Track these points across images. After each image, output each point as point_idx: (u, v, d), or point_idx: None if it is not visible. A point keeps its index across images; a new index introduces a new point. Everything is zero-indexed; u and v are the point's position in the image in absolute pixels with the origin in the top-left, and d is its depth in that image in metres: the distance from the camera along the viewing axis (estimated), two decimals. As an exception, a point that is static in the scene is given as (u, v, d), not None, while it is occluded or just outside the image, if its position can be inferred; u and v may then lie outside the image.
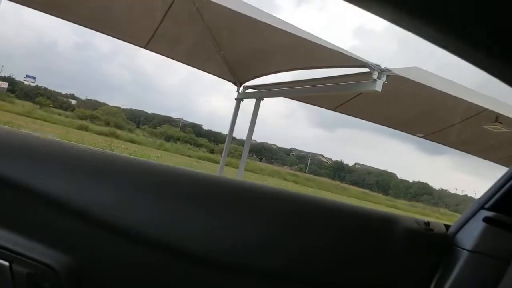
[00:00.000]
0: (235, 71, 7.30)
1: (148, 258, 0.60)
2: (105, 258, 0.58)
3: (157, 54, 7.55)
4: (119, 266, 0.58)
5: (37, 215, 0.54)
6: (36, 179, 0.54)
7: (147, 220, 0.59)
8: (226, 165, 9.22)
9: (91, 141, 18.30)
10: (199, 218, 0.63)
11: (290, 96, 7.74)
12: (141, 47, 7.10)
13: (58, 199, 0.54)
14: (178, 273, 0.62)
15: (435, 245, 0.87)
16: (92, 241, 0.57)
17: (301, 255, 0.72)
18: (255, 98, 7.67)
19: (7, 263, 0.51)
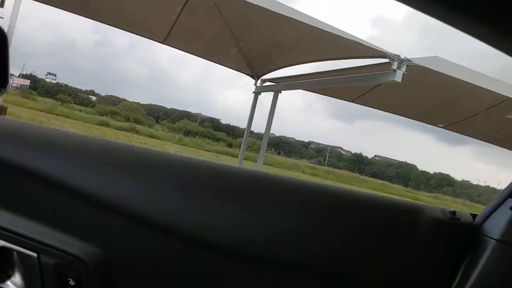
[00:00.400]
0: (252, 65, 7.29)
1: (174, 250, 0.61)
2: (133, 249, 0.59)
3: (175, 49, 7.59)
4: (146, 257, 0.60)
5: (65, 208, 0.56)
6: (64, 172, 0.56)
7: (173, 212, 0.61)
8: (244, 159, 9.25)
9: (112, 137, 18.48)
10: (226, 210, 0.64)
11: (308, 89, 7.71)
12: (159, 42, 7.15)
13: (87, 192, 0.56)
14: (205, 265, 0.64)
15: (461, 235, 0.86)
16: (120, 233, 0.58)
17: (323, 247, 0.73)
18: (273, 91, 7.66)
19: (35, 254, 0.53)
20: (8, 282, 0.53)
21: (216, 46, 7.17)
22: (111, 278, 0.58)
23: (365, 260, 0.74)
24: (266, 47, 6.81)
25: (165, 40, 6.87)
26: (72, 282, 0.55)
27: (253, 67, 7.40)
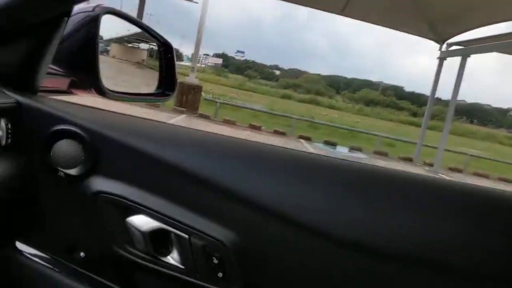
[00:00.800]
0: (437, 29, 6.74)
1: (307, 244, 0.65)
2: (268, 239, 0.65)
3: (353, 19, 7.48)
4: (280, 248, 0.66)
5: (210, 199, 0.65)
6: (210, 170, 0.65)
7: (307, 208, 0.65)
8: (429, 128, 8.68)
9: (294, 110, 19.20)
10: (357, 207, 0.65)
11: (505, 51, 6.80)
12: (336, 14, 7.12)
13: (228, 187, 0.64)
14: (336, 260, 0.66)
15: None
16: (255, 223, 0.65)
17: (484, 253, 0.68)
18: (460, 55, 6.99)
19: (187, 236, 0.64)
20: (168, 257, 0.65)
21: (397, 12, 6.82)
22: (247, 260, 0.65)
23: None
24: (452, 9, 6.21)
25: (342, 11, 6.81)
26: (215, 261, 0.64)
27: (437, 31, 6.84)
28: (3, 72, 0.61)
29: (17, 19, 0.59)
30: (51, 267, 0.68)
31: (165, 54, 0.84)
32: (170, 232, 0.64)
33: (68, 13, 0.64)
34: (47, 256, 0.68)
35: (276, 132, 11.36)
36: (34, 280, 0.68)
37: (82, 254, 0.69)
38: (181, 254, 0.65)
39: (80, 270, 0.69)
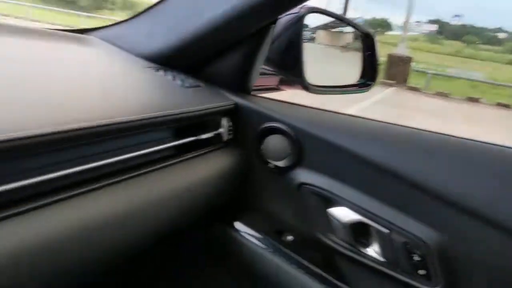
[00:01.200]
0: None
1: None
2: (475, 243, 0.61)
3: None
4: (487, 252, 0.60)
5: (415, 198, 0.63)
6: (414, 167, 0.63)
7: None
8: None
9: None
10: None
11: None
12: None
13: (435, 188, 0.61)
14: None
15: None
16: (465, 226, 0.61)
17: None
18: None
19: (387, 231, 0.64)
20: (368, 249, 0.67)
21: None
22: (450, 261, 0.62)
23: None
24: None
25: None
26: (417, 258, 0.64)
27: None
28: (224, 78, 0.72)
29: (233, 34, 0.69)
30: (264, 246, 0.77)
31: (367, 44, 0.84)
32: (369, 225, 0.66)
33: (274, 22, 0.70)
34: (260, 236, 0.77)
35: (499, 105, 10.11)
36: (249, 256, 0.78)
37: (290, 237, 0.76)
38: (381, 247, 0.66)
39: (287, 252, 0.76)
